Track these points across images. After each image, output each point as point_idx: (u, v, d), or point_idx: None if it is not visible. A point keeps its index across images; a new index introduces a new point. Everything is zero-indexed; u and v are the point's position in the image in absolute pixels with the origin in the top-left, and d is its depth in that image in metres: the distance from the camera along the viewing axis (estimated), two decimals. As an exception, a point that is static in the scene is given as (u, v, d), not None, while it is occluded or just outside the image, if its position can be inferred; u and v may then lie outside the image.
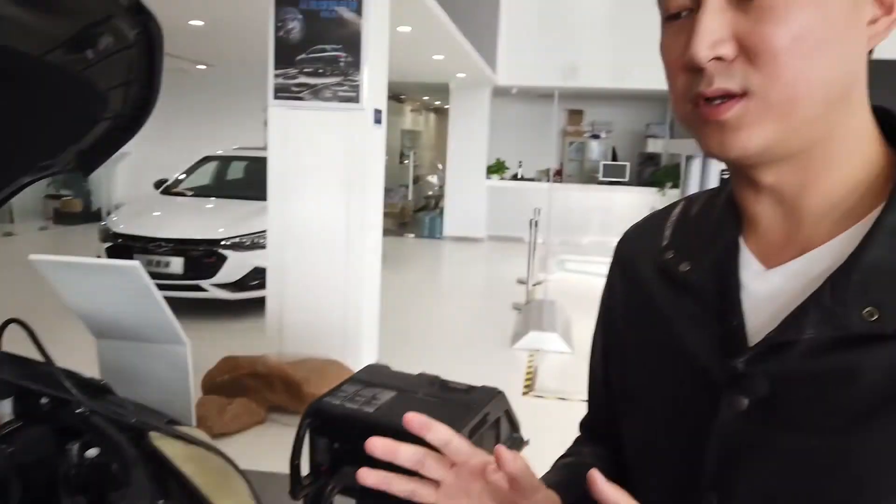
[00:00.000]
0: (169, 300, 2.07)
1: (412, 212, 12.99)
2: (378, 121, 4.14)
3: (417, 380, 1.76)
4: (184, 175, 7.21)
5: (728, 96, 0.51)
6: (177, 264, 5.57)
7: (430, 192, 14.20)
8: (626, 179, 10.91)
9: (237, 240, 5.70)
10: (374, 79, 4.00)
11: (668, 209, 0.73)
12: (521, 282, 7.20)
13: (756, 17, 0.50)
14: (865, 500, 0.49)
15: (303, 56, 3.86)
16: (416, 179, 14.58)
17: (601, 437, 0.78)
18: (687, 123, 0.56)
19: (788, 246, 0.58)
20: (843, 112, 0.54)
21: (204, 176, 7.38)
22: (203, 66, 9.70)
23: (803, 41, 0.49)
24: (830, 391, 0.51)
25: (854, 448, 0.50)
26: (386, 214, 12.21)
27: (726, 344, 0.57)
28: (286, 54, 3.87)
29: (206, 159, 7.40)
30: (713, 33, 0.50)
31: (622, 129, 12.24)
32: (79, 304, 1.90)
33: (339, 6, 3.78)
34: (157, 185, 7.00)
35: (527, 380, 4.82)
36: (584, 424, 0.85)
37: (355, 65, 3.84)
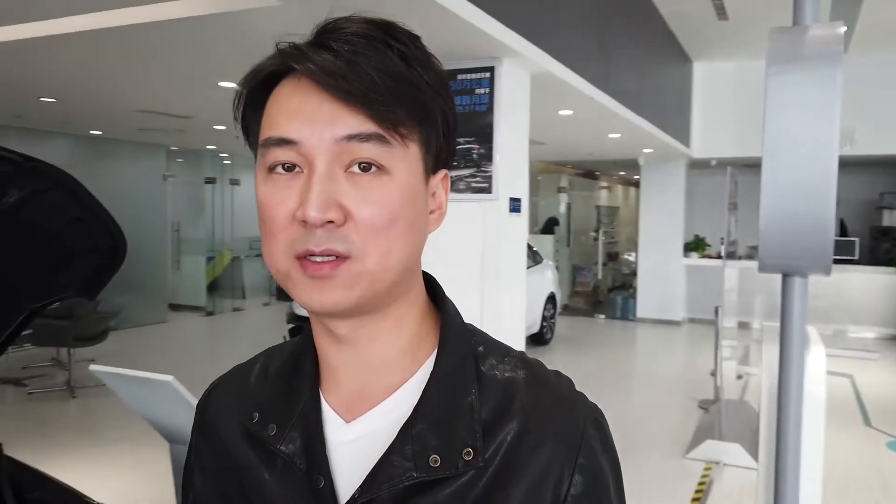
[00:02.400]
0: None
1: (606, 291, 12.45)
2: (516, 209, 4.02)
3: None
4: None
5: (333, 255, 0.56)
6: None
7: (627, 271, 13.54)
8: (856, 257, 9.41)
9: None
10: (511, 168, 3.92)
11: (251, 364, 0.73)
12: (712, 374, 6.43)
13: (363, 196, 0.57)
14: None
15: (438, 150, 3.91)
16: (614, 256, 14.03)
17: None
18: (285, 275, 0.59)
19: (364, 397, 0.63)
20: (410, 279, 0.64)
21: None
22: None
23: (393, 223, 0.58)
24: None
25: None
26: (576, 294, 11.93)
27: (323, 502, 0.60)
28: (423, 149, 3.96)
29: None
30: (326, 199, 0.55)
31: (851, 199, 10.69)
32: (137, 409, 1.98)
33: (471, 101, 3.80)
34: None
35: (696, 496, 4.19)
36: None
37: (487, 156, 3.79)
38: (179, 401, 1.81)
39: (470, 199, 3.86)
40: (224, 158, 11.80)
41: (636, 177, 14.44)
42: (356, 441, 0.62)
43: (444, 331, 0.65)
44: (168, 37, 3.66)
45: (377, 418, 0.63)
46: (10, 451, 1.57)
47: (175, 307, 10.46)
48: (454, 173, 3.89)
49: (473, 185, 3.85)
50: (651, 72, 7.06)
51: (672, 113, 8.17)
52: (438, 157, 0.64)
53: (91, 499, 1.56)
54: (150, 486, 4.01)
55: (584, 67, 4.68)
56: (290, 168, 0.58)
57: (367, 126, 0.56)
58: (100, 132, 8.43)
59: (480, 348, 0.66)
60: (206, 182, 11.02)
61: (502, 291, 3.92)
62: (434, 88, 0.60)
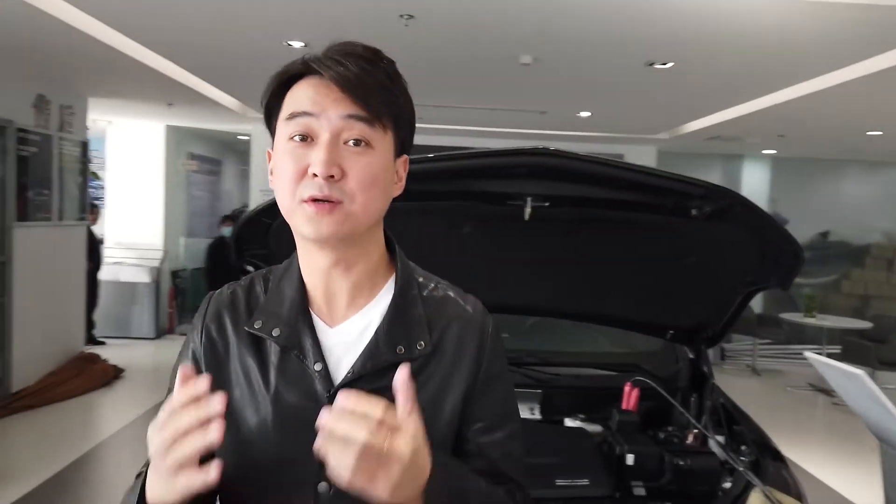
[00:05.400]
0: None
1: None
2: None
3: None
4: None
5: (329, 200, 0.82)
6: None
7: None
8: None
9: None
10: None
11: (243, 285, 0.96)
12: None
13: (355, 161, 0.83)
14: None
15: None
16: None
17: None
18: (290, 211, 0.85)
19: (342, 311, 0.91)
20: (377, 226, 0.91)
21: None
22: None
23: (374, 183, 0.84)
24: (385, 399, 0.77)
25: None
26: None
27: (319, 385, 0.85)
28: None
29: None
30: (331, 160, 0.81)
31: None
32: (847, 401, 2.28)
33: None
34: None
35: None
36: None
37: None
38: (871, 395, 2.01)
39: None
40: None
41: None
42: (338, 340, 0.89)
43: (399, 267, 0.93)
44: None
45: (352, 326, 0.90)
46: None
47: None
48: None
49: None
50: None
51: None
52: (402, 146, 0.90)
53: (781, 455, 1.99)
54: None
55: None
56: (303, 139, 0.83)
57: (362, 111, 0.82)
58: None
59: (420, 279, 0.95)
60: None
61: None
62: (405, 98, 0.88)
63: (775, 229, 1.74)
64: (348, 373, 0.86)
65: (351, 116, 0.82)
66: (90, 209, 6.96)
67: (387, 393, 0.76)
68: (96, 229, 7.29)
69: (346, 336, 0.89)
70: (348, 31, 4.07)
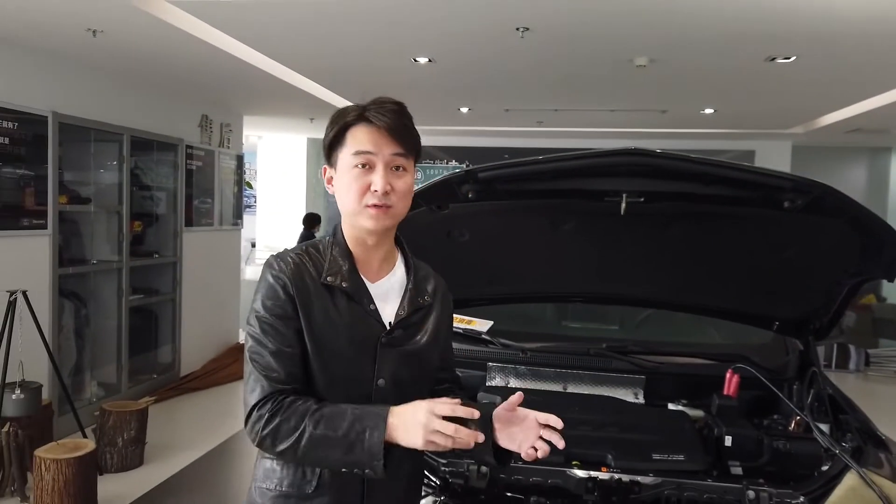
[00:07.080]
0: None
1: None
2: None
3: None
4: None
5: (385, 206, 1.28)
6: None
7: None
8: None
9: None
10: None
11: (308, 255, 1.34)
12: None
13: (398, 181, 1.29)
14: (427, 373, 1.40)
15: None
16: None
17: (297, 390, 1.27)
18: (356, 212, 1.29)
19: (378, 272, 1.36)
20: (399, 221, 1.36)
21: None
22: None
23: (409, 193, 1.32)
24: (417, 329, 1.36)
25: (425, 351, 1.37)
26: None
27: (374, 319, 1.32)
28: None
29: None
30: (385, 181, 1.27)
31: None
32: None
33: None
34: None
35: None
36: (281, 390, 1.26)
37: None
38: None
39: None
40: None
41: None
42: (379, 292, 1.34)
43: (406, 248, 1.43)
44: None
45: (387, 282, 1.36)
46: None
47: None
48: None
49: None
50: None
51: None
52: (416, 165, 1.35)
53: (883, 435, 2.00)
54: None
55: None
56: (364, 166, 1.27)
57: (402, 149, 1.28)
58: None
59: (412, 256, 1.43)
60: None
61: None
62: (417, 134, 1.32)
63: (873, 220, 1.77)
64: (399, 311, 1.35)
65: (396, 153, 1.28)
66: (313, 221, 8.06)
67: (416, 326, 1.36)
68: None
69: (382, 289, 1.36)
70: (468, 46, 4.32)
